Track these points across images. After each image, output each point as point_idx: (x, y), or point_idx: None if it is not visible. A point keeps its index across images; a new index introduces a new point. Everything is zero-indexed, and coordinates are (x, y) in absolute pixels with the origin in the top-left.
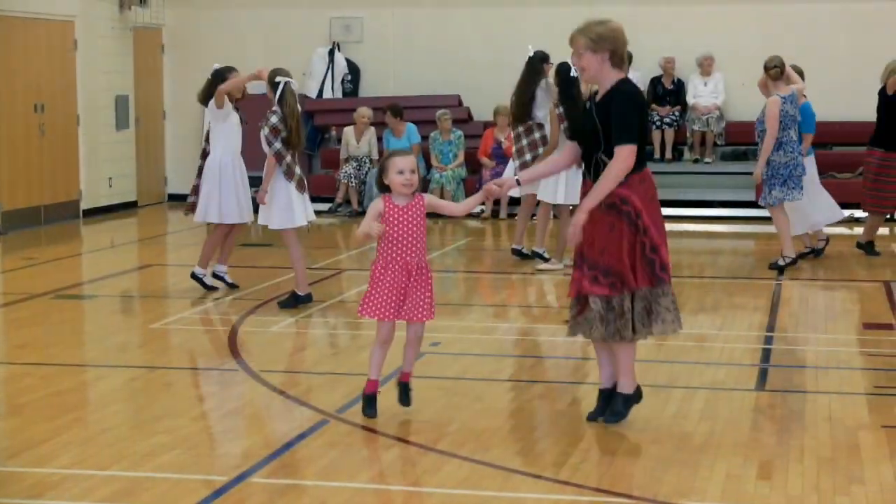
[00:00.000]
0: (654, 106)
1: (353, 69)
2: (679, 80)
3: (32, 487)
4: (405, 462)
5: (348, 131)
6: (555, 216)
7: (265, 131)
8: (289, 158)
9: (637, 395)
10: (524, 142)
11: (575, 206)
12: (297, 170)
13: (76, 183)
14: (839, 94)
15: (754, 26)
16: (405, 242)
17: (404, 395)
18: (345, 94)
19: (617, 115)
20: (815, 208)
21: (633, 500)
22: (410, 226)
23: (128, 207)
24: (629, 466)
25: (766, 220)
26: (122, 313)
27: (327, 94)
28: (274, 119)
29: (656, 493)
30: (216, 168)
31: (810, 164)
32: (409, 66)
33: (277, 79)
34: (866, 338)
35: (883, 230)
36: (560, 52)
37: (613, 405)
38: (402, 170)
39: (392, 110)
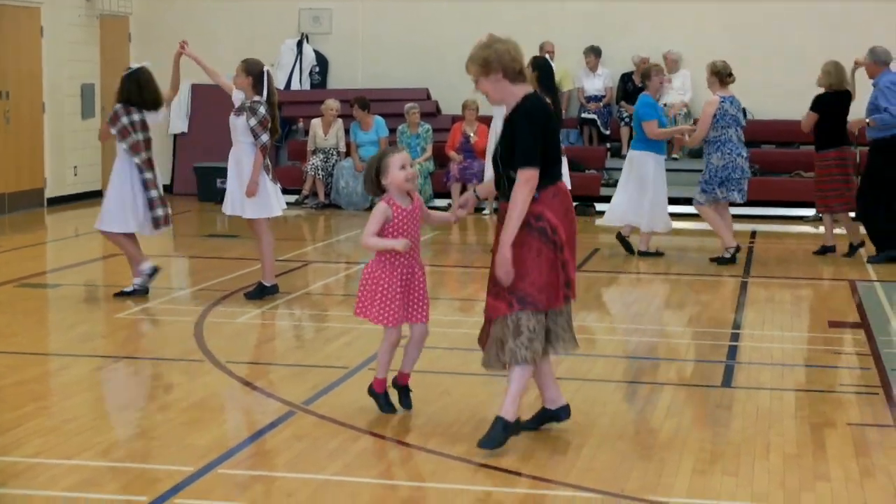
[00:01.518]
0: (623, 103)
1: (322, 61)
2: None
3: None
4: (372, 455)
5: (316, 123)
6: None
7: (252, 123)
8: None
9: (516, 426)
10: None
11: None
12: (267, 161)
13: (41, 171)
14: (808, 93)
15: (723, 24)
16: (411, 245)
17: (405, 398)
18: (313, 85)
19: (519, 135)
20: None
21: (600, 495)
22: (415, 228)
23: (92, 196)
24: (595, 462)
25: (734, 217)
26: (86, 303)
27: (295, 86)
28: (263, 110)
29: (623, 489)
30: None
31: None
32: (377, 59)
33: (264, 68)
34: (832, 336)
35: (840, 230)
36: (531, 48)
37: (493, 430)
38: (405, 164)
39: (359, 103)
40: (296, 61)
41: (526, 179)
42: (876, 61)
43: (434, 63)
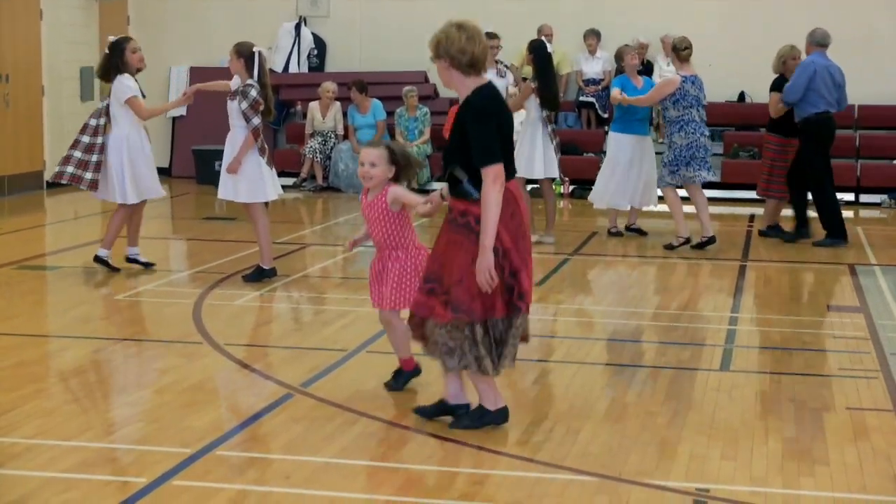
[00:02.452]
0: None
1: (320, 44)
2: (648, 62)
3: None
4: (369, 437)
5: (314, 106)
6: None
7: (243, 106)
8: (260, 134)
9: (502, 415)
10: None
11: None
12: (265, 145)
13: (40, 154)
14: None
15: (719, 6)
16: (373, 236)
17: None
18: (311, 68)
19: (473, 133)
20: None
21: (597, 479)
22: (376, 221)
23: None
24: (593, 445)
25: (732, 200)
26: (85, 285)
27: (293, 69)
28: (254, 93)
29: (620, 472)
30: (123, 145)
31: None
32: (375, 42)
33: (254, 49)
34: (831, 320)
35: (847, 213)
36: (529, 31)
37: (473, 413)
38: (362, 161)
39: (357, 86)
40: (294, 44)
41: (494, 177)
42: (811, 42)
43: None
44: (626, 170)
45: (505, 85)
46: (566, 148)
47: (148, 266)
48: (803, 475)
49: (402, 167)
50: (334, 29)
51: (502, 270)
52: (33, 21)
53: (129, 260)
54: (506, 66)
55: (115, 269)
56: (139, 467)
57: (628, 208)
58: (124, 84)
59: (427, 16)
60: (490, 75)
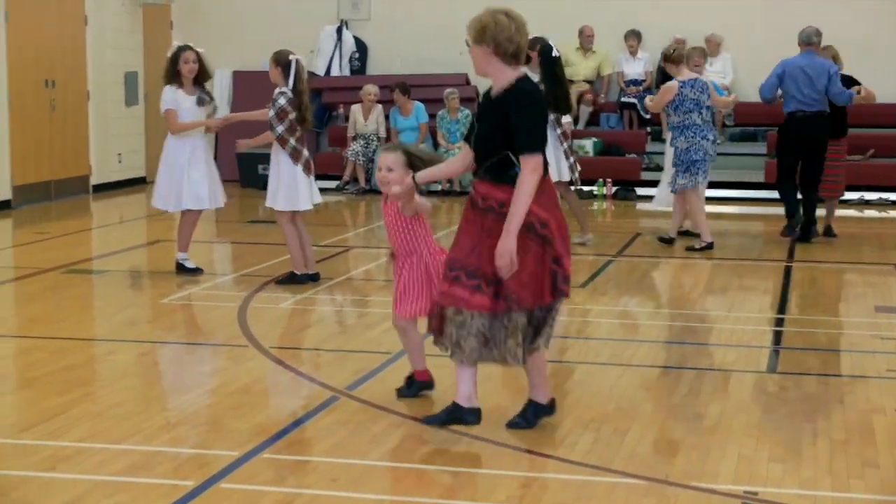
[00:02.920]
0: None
1: (361, 47)
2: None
3: (46, 460)
4: (415, 440)
5: (356, 109)
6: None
7: (270, 114)
8: (293, 141)
9: (475, 415)
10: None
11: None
12: (305, 152)
13: (86, 158)
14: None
15: (763, 4)
16: (391, 242)
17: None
18: (352, 71)
19: (523, 119)
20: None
21: (644, 482)
22: (393, 226)
23: (137, 183)
24: (640, 447)
25: (776, 201)
26: (131, 288)
27: (335, 72)
28: (282, 101)
29: (667, 474)
30: (164, 151)
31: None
32: (416, 45)
33: (291, 57)
34: (878, 321)
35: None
36: (570, 32)
37: (449, 408)
38: (380, 166)
39: (400, 88)
40: (335, 48)
41: (533, 167)
42: (798, 42)
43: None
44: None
45: None
46: (609, 149)
47: (195, 272)
48: (853, 478)
49: (418, 171)
50: (375, 32)
51: (548, 258)
52: (78, 26)
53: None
54: None
55: (196, 271)
56: (187, 470)
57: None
58: (163, 96)
59: (468, 18)
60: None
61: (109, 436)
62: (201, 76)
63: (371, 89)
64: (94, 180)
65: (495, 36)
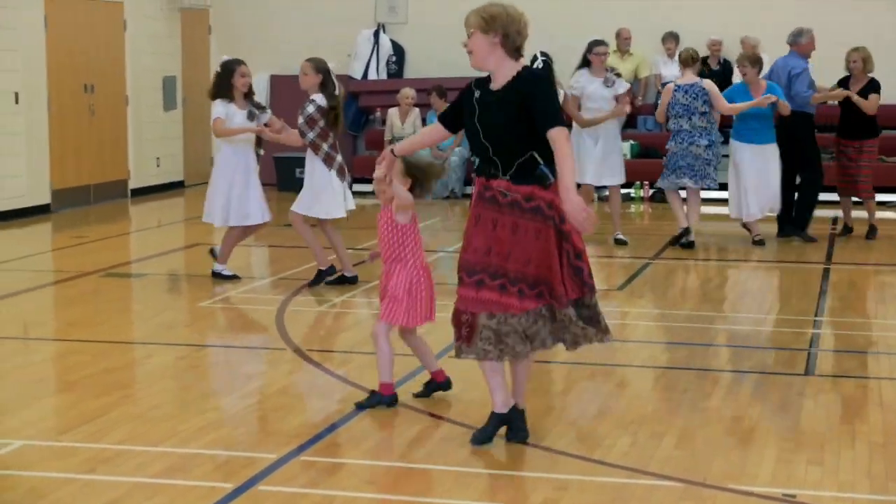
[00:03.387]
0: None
1: (398, 50)
2: (726, 61)
3: (86, 462)
4: (453, 442)
5: (393, 113)
6: (600, 198)
7: (300, 121)
8: (326, 147)
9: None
10: None
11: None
12: (339, 157)
13: (125, 163)
14: (887, 77)
15: (796, 6)
16: (380, 248)
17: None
18: (389, 75)
19: (542, 99)
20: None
21: (682, 484)
22: (379, 231)
23: (175, 187)
24: (677, 450)
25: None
26: (169, 292)
27: (372, 76)
28: (311, 108)
29: (705, 477)
30: (216, 165)
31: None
32: (453, 48)
33: (325, 65)
34: None
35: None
36: (607, 33)
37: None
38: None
39: (437, 91)
40: (373, 51)
41: (567, 136)
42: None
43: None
44: (745, 179)
45: (612, 95)
46: (646, 151)
47: (232, 278)
48: (891, 480)
49: (417, 179)
50: (413, 35)
51: (568, 254)
52: (117, 32)
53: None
54: (617, 74)
55: (234, 277)
56: (225, 473)
57: (758, 216)
58: (215, 109)
59: None
60: (593, 86)
61: (148, 438)
62: (250, 90)
63: (408, 92)
64: (132, 184)
65: (506, 26)
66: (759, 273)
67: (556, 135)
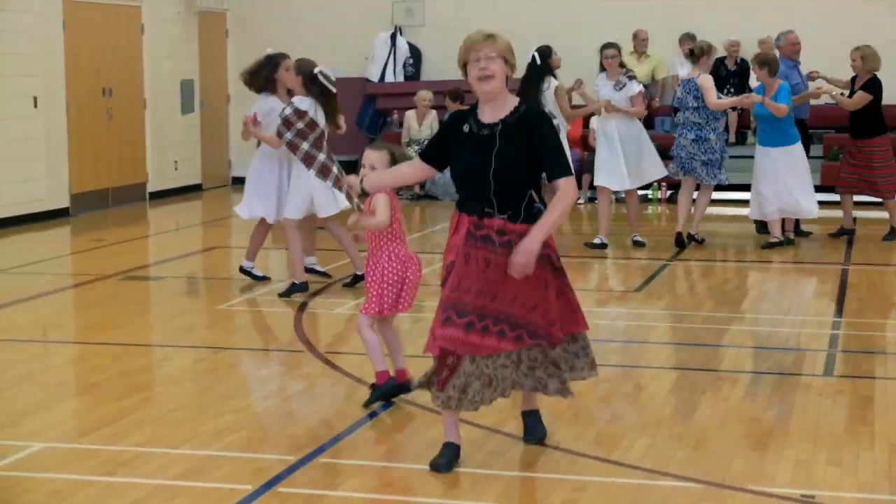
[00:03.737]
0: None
1: (415, 53)
2: (743, 61)
3: (105, 464)
4: (471, 444)
5: (410, 115)
6: (617, 199)
7: (278, 122)
8: (306, 146)
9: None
10: None
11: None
12: (321, 156)
13: (143, 166)
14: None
15: (817, 8)
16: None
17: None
18: (406, 77)
19: (552, 143)
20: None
21: (701, 485)
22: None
23: (193, 190)
24: (696, 451)
25: (831, 203)
26: (188, 295)
27: (389, 78)
28: (287, 111)
29: (724, 478)
30: (274, 161)
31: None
32: None
33: (315, 70)
34: None
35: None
36: (625, 35)
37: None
38: (363, 163)
39: (451, 95)
40: (390, 54)
41: (572, 189)
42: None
43: (526, 54)
44: (756, 181)
45: (625, 97)
46: (663, 152)
47: (261, 279)
48: None
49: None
50: (429, 38)
51: (564, 289)
52: (135, 35)
53: (308, 269)
54: (629, 76)
55: (264, 279)
56: (244, 475)
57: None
58: (259, 104)
59: (523, 24)
60: (605, 89)
61: (168, 440)
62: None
63: (425, 95)
64: (150, 188)
65: (511, 60)
66: (778, 274)
67: (564, 185)
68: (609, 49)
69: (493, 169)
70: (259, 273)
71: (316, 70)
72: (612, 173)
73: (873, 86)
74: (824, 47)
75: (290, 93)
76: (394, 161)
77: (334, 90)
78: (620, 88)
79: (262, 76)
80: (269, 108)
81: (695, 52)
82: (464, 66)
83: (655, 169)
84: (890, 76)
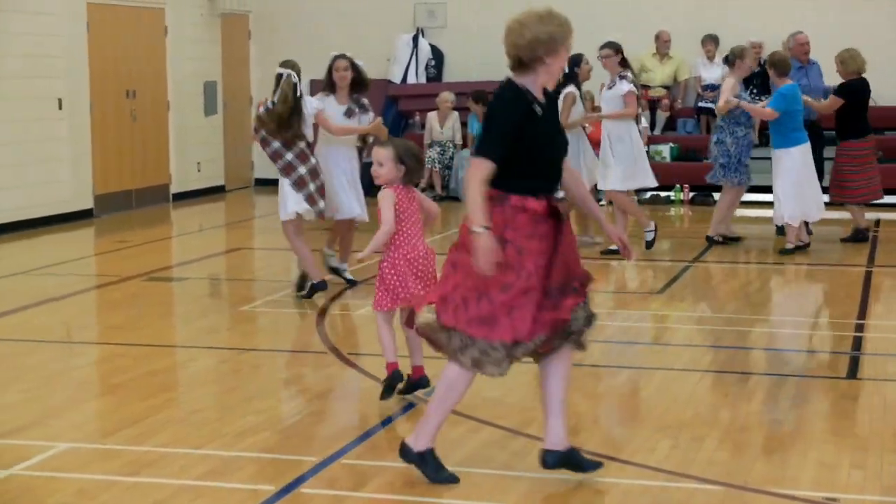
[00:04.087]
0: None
1: (437, 54)
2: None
3: (129, 465)
4: (493, 445)
5: (432, 116)
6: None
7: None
8: (276, 145)
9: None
10: None
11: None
12: (288, 156)
13: (166, 167)
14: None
15: (845, 5)
16: None
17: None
18: (429, 79)
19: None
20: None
21: (723, 488)
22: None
23: (216, 192)
24: (718, 453)
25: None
26: (211, 296)
27: (411, 80)
28: (260, 110)
29: (746, 481)
30: (330, 160)
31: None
32: (492, 51)
33: (279, 71)
34: None
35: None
36: (646, 36)
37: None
38: (374, 160)
39: (475, 96)
40: (412, 55)
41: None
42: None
43: None
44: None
45: (615, 95)
46: (686, 154)
47: (351, 283)
48: None
49: (410, 168)
50: (451, 39)
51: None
52: (158, 37)
53: (331, 269)
54: (621, 76)
55: (352, 283)
56: (268, 476)
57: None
58: (312, 101)
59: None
60: (604, 90)
61: (191, 441)
62: (356, 85)
63: (447, 96)
64: (173, 189)
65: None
66: (801, 276)
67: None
68: (603, 49)
69: (564, 149)
70: (350, 276)
71: (280, 70)
72: (604, 175)
73: (848, 90)
74: (825, 47)
75: (353, 90)
76: (398, 157)
77: (296, 94)
78: (610, 87)
79: (326, 79)
80: (320, 104)
81: (729, 58)
82: (552, 45)
83: (647, 177)
84: (889, 76)
